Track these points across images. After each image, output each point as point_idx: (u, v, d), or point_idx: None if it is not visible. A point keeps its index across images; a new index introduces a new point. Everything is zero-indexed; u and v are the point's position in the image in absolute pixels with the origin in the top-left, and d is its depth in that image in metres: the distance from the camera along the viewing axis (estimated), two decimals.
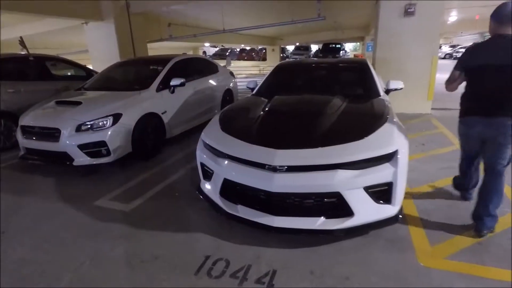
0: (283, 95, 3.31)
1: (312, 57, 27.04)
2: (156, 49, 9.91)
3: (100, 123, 3.54)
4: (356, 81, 3.57)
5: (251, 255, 2.15)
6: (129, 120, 3.77)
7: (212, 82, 5.88)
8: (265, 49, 27.80)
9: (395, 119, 2.55)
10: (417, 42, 5.94)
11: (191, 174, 3.63)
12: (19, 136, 3.76)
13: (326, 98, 2.95)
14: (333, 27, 20.60)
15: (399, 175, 2.15)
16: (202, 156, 2.65)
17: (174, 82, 4.52)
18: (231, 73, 6.97)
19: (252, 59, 28.21)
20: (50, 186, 3.45)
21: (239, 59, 27.98)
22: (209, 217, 2.65)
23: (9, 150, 4.70)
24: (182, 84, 4.57)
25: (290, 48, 34.80)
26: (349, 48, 43.96)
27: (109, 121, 3.56)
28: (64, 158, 3.51)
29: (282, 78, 3.92)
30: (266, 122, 2.65)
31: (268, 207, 2.25)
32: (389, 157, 2.17)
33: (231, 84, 6.65)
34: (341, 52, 25.12)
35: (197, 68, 5.61)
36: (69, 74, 6.15)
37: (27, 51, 5.25)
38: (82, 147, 3.46)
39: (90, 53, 8.65)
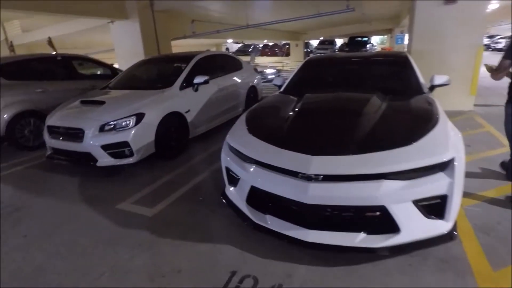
0: (315, 93, 3.04)
1: (337, 51, 26.21)
2: (179, 46, 9.90)
3: (123, 123, 3.45)
4: (396, 76, 3.21)
5: (281, 273, 1.94)
6: (152, 119, 3.66)
7: (236, 79, 5.69)
8: (288, 44, 27.27)
9: (448, 121, 2.22)
10: (460, 32, 5.40)
11: (216, 176, 3.46)
12: (45, 135, 3.77)
13: (364, 96, 2.65)
14: (360, 19, 19.73)
15: (455, 186, 1.84)
16: (227, 160, 2.46)
17: (198, 79, 4.37)
18: (255, 70, 6.74)
19: (275, 54, 27.78)
20: (75, 186, 3.42)
21: (262, 55, 27.63)
22: (235, 225, 2.46)
23: (38, 149, 4.78)
24: (205, 82, 4.41)
25: (313, 42, 33.99)
26: (376, 42, 42.19)
27: (132, 121, 3.47)
28: (88, 158, 3.46)
29: (313, 74, 3.64)
30: (297, 123, 2.40)
31: (301, 219, 2.02)
32: (444, 166, 1.86)
33: (255, 81, 6.43)
34: (367, 45, 24.08)
35: (220, 65, 5.44)
36: (95, 73, 6.20)
37: (55, 50, 5.32)
38: (105, 147, 3.39)
39: (115, 51, 8.76)
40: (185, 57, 4.83)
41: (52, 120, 3.74)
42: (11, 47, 5.76)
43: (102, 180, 3.52)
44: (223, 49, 27.47)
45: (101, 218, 2.71)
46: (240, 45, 28.90)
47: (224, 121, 5.25)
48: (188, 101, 4.31)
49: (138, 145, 3.50)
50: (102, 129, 3.42)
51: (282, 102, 3.00)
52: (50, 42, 5.30)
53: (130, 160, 3.49)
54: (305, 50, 27.15)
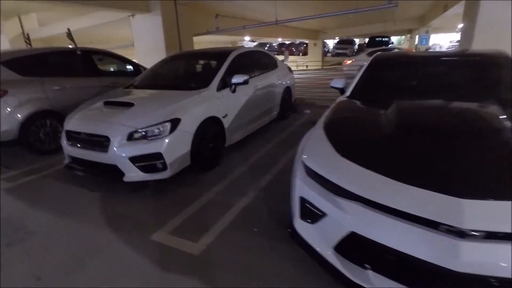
0: (400, 99, 2.39)
1: (355, 52, 25.31)
2: (196, 43, 9.35)
3: (156, 131, 2.87)
4: (500, 80, 2.53)
5: None
6: (189, 126, 3.08)
7: (272, 79, 5.08)
8: (304, 43, 26.47)
9: None
10: None
11: (265, 197, 2.85)
12: (63, 142, 3.22)
13: (485, 109, 1.99)
14: (384, 19, 18.89)
15: None
16: (304, 188, 1.84)
17: (236, 79, 3.77)
18: (289, 69, 6.11)
19: (292, 53, 27.03)
20: (97, 204, 2.86)
21: (278, 54, 26.96)
22: (309, 274, 1.85)
23: (54, 153, 4.26)
24: (245, 82, 3.81)
25: (329, 42, 33.05)
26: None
27: (166, 128, 2.89)
28: (113, 172, 2.90)
29: (387, 76, 2.99)
30: (411, 145, 1.77)
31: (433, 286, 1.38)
32: None
33: (289, 81, 5.80)
34: (389, 46, 23.14)
35: (257, 63, 4.83)
36: (116, 69, 5.66)
37: (75, 44, 4.79)
38: (134, 159, 2.81)
39: (135, 46, 8.24)
40: (220, 54, 4.23)
41: (72, 124, 3.18)
42: (27, 39, 5.29)
43: (129, 197, 2.95)
44: None
45: (134, 255, 2.12)
46: (256, 43, 28.25)
47: (259, 126, 4.65)
48: (225, 104, 3.71)
49: (173, 157, 2.91)
50: (130, 137, 2.84)
51: (365, 112, 2.37)
52: (69, 35, 4.78)
53: (162, 175, 2.91)
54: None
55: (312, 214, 1.82)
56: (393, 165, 1.60)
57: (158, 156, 2.84)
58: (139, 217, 2.60)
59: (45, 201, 2.96)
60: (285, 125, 5.34)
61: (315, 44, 22.66)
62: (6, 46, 10.43)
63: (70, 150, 3.15)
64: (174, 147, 2.93)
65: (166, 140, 2.86)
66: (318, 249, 1.77)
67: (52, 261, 2.11)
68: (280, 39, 29.20)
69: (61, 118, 4.32)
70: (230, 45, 24.40)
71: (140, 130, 2.84)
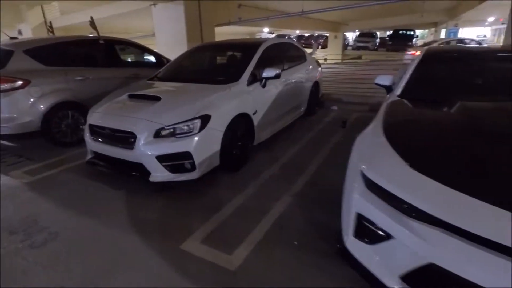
0: (456, 98, 2.07)
1: (377, 45, 24.38)
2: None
3: (185, 128, 2.65)
4: None
5: None
6: (219, 123, 2.85)
7: (302, 72, 4.77)
8: (323, 35, 25.73)
9: None
10: None
11: (302, 204, 2.60)
12: (87, 136, 3.06)
13: None
14: (411, 11, 17.99)
15: None
16: (363, 204, 1.58)
17: (268, 73, 3.50)
18: (317, 62, 5.78)
19: (310, 46, 26.34)
20: (122, 204, 2.69)
21: (305, 46, 26.26)
22: None
23: (75, 145, 4.14)
24: (277, 76, 3.54)
25: (348, 35, 31.97)
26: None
27: (196, 126, 2.67)
28: (138, 170, 2.71)
29: (443, 73, 2.65)
30: (501, 157, 1.47)
31: None
32: None
33: (317, 75, 5.47)
34: (413, 40, 22.16)
35: (286, 55, 4.53)
36: (138, 60, 5.49)
37: (98, 33, 4.62)
38: (161, 158, 2.61)
39: (156, 37, 8.05)
40: (250, 45, 3.97)
41: (95, 117, 3.01)
42: (50, 27, 5.18)
43: (154, 198, 2.77)
44: None
45: (164, 266, 1.93)
46: (273, 35, 27.69)
47: (288, 123, 4.38)
48: (255, 99, 3.46)
49: (202, 156, 2.70)
50: (158, 134, 2.64)
51: (429, 114, 2.06)
52: (92, 23, 4.61)
53: (191, 176, 2.70)
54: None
55: (371, 233, 1.57)
56: (481, 184, 1.31)
57: (187, 155, 2.63)
58: (167, 222, 2.41)
59: (68, 198, 2.82)
60: (313, 122, 5.04)
61: (335, 37, 21.91)
62: (28, 34, 10.48)
63: (93, 145, 2.99)
64: (203, 146, 2.71)
65: (196, 139, 2.64)
66: (378, 275, 1.52)
67: (76, 268, 1.94)
68: (298, 31, 28.52)
69: (83, 109, 4.20)
70: (248, 37, 23.98)
71: (168, 127, 2.63)
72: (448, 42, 15.36)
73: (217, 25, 8.71)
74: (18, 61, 3.73)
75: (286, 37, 26.90)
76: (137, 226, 2.35)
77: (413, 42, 21.75)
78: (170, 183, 2.76)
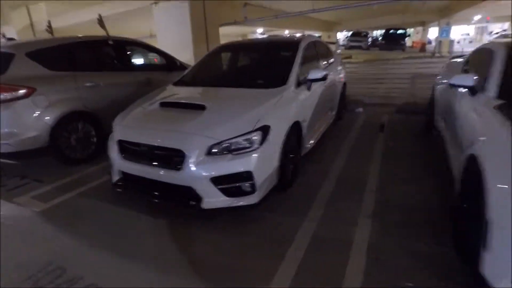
0: None
1: (369, 45, 24.45)
2: None
3: (244, 143, 2.19)
4: None
5: None
6: (278, 135, 2.41)
7: (334, 73, 4.38)
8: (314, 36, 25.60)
9: None
10: None
11: (386, 229, 2.18)
12: (114, 155, 2.53)
13: None
14: (403, 10, 18.07)
15: None
16: None
17: (314, 75, 3.10)
18: (341, 61, 5.41)
19: None
20: (166, 238, 2.19)
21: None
22: None
23: (85, 162, 3.59)
24: (323, 78, 3.13)
25: (339, 35, 32.01)
26: None
27: (257, 139, 2.21)
28: (187, 196, 2.23)
29: None
30: None
31: None
32: None
33: (344, 75, 5.11)
34: (405, 39, 22.32)
35: (320, 54, 4.11)
36: (149, 62, 4.96)
37: (106, 32, 4.09)
38: (217, 180, 2.14)
39: (158, 38, 7.51)
40: (287, 44, 3.58)
41: (126, 132, 2.50)
42: (49, 27, 4.55)
43: (204, 228, 2.29)
44: None
45: None
46: (265, 36, 27.39)
47: (324, 130, 3.96)
48: (303, 104, 3.04)
49: (263, 176, 2.24)
50: (211, 151, 2.17)
51: None
52: (100, 21, 4.07)
53: (250, 200, 2.24)
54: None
55: None
56: None
57: (247, 175, 2.16)
58: (234, 263, 1.94)
59: (98, 233, 2.29)
60: (343, 128, 4.65)
61: (329, 37, 21.83)
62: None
63: (123, 165, 2.47)
64: (264, 163, 2.26)
65: (257, 155, 2.19)
66: None
67: None
68: (287, 32, 28.30)
69: (94, 120, 3.67)
70: (240, 38, 23.55)
71: (224, 143, 2.16)
72: None
73: (222, 25, 8.24)
74: (20, 66, 3.16)
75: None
76: (199, 272, 1.87)
77: (405, 41, 21.89)
78: (221, 209, 2.28)
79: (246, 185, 2.20)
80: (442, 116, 3.42)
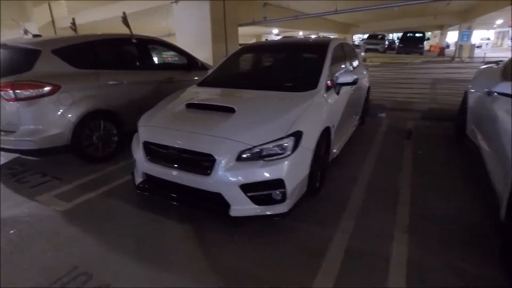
0: None
1: (386, 48, 23.97)
2: None
3: (276, 149, 2.09)
4: None
5: None
6: (309, 141, 2.29)
7: (360, 76, 4.23)
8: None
9: None
10: None
11: (424, 246, 2.04)
12: (139, 156, 2.46)
13: None
14: (425, 12, 17.63)
15: None
16: None
17: (344, 78, 2.98)
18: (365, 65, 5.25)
19: None
20: (192, 245, 2.11)
21: None
22: None
23: (106, 161, 3.56)
24: (354, 82, 3.01)
25: (355, 37, 31.54)
26: None
27: (289, 146, 2.11)
28: (214, 202, 2.14)
29: None
30: None
31: None
32: None
33: (368, 79, 4.95)
34: (424, 42, 21.79)
35: (348, 57, 3.97)
36: (170, 61, 4.91)
37: (130, 31, 4.05)
38: (247, 188, 2.05)
39: (177, 37, 7.49)
40: (316, 45, 3.47)
41: (153, 133, 2.43)
42: (73, 24, 4.56)
43: (230, 236, 2.19)
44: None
45: None
46: (280, 37, 27.24)
47: (350, 135, 3.82)
48: (332, 109, 2.91)
49: (293, 183, 2.14)
50: (241, 157, 2.08)
51: None
52: (124, 19, 4.04)
53: (280, 209, 2.13)
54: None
55: None
56: None
57: (279, 183, 2.06)
58: (265, 274, 1.83)
59: (123, 237, 2.22)
60: (367, 133, 4.50)
61: (345, 39, 21.53)
62: None
63: (148, 167, 2.40)
64: (295, 170, 2.16)
65: (288, 162, 2.08)
66: None
67: None
68: (301, 33, 28.04)
69: (116, 119, 3.64)
70: (254, 39, 23.49)
71: (256, 148, 2.07)
72: None
73: (241, 25, 8.17)
74: (46, 63, 3.14)
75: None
76: (231, 283, 1.77)
77: (423, 45, 21.40)
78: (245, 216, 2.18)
79: (277, 193, 2.10)
80: (477, 125, 3.23)
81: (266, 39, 27.04)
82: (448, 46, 28.93)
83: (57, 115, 3.15)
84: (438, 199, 2.63)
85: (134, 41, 4.03)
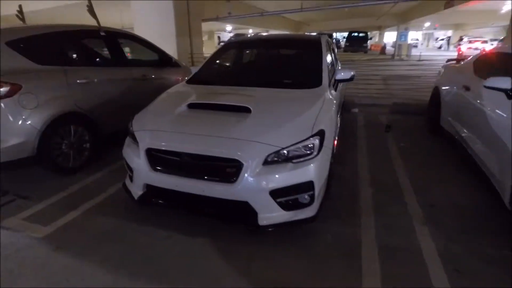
0: None
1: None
2: None
3: (302, 149, 1.97)
4: None
5: None
6: (329, 139, 2.21)
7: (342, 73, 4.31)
8: None
9: None
10: None
11: (446, 235, 2.11)
12: (139, 165, 2.13)
13: None
14: (369, 14, 18.99)
15: None
16: None
17: (342, 75, 2.98)
18: None
19: None
20: (214, 259, 1.90)
21: None
22: None
23: (77, 172, 3.08)
24: (351, 79, 3.03)
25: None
26: None
27: (315, 145, 2.00)
28: (240, 212, 1.95)
29: None
30: None
31: None
32: None
33: None
34: (367, 41, 23.50)
35: (334, 53, 4.01)
36: (142, 57, 4.44)
37: (98, 22, 3.54)
38: (276, 193, 1.90)
39: (135, 30, 6.83)
40: (308, 41, 3.40)
41: (160, 139, 2.11)
42: (20, 13, 3.71)
43: (255, 245, 2.03)
44: (215, 38, 25.52)
45: None
46: (232, 35, 27.01)
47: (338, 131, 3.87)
48: (335, 105, 2.89)
49: (320, 184, 2.04)
50: (267, 160, 1.92)
51: None
52: (90, 8, 3.51)
53: (308, 213, 2.03)
54: None
55: None
56: None
57: (308, 186, 1.95)
58: (312, 284, 1.72)
59: (122, 260, 1.90)
60: (348, 127, 4.63)
61: None
62: None
63: (154, 178, 2.09)
64: (321, 170, 2.06)
65: (316, 163, 1.98)
66: None
67: None
68: (251, 31, 28.21)
69: (87, 122, 3.18)
70: (206, 37, 22.90)
71: (284, 150, 1.92)
72: None
73: (204, 20, 7.82)
74: (1, 58, 2.58)
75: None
76: None
77: (367, 44, 23.06)
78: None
79: (305, 197, 1.99)
80: (455, 117, 3.50)
81: (219, 37, 26.63)
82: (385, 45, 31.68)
83: (18, 121, 2.62)
84: (438, 188, 2.78)
85: (102, 33, 3.54)
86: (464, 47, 20.95)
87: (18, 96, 2.58)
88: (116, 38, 3.77)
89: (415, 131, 4.51)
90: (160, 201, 2.17)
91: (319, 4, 7.60)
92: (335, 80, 3.01)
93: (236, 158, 1.87)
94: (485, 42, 22.63)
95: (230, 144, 1.93)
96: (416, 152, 3.67)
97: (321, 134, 2.07)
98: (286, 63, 3.25)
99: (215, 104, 2.34)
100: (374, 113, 5.58)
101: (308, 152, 1.98)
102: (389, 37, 40.73)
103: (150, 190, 2.19)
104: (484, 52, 3.62)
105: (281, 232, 2.14)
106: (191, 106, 2.36)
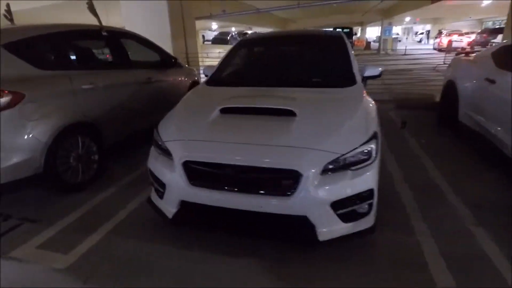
0: None
1: None
2: None
3: (359, 155, 1.80)
4: None
5: None
6: (380, 141, 2.06)
7: None
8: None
9: None
10: None
11: (505, 238, 2.01)
12: (174, 179, 1.88)
13: None
14: (352, 10, 19.12)
15: None
16: None
17: (371, 72, 2.84)
18: None
19: None
20: (273, 286, 1.70)
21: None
22: None
23: (86, 189, 2.78)
24: (380, 75, 2.88)
25: None
26: None
27: (373, 149, 1.83)
28: (295, 228, 1.75)
29: None
30: None
31: None
32: None
33: None
34: (353, 37, 23.70)
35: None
36: (145, 59, 4.13)
37: (99, 21, 3.23)
38: (337, 205, 1.71)
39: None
40: (330, 37, 3.23)
41: (198, 150, 1.87)
42: (8, 12, 3.29)
43: (315, 261, 1.84)
44: (200, 37, 24.95)
45: None
46: (217, 33, 26.55)
47: None
48: None
49: (376, 192, 1.88)
50: (326, 169, 1.73)
51: None
52: (91, 6, 3.20)
53: (367, 223, 1.85)
54: None
55: None
56: None
57: (369, 194, 1.78)
58: None
59: None
60: None
61: None
62: None
63: (194, 194, 1.84)
64: (378, 176, 1.89)
65: (374, 169, 1.81)
66: None
67: None
68: (234, 29, 27.82)
69: (94, 132, 2.89)
70: None
71: (342, 157, 1.74)
72: None
73: (198, 18, 7.52)
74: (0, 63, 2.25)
75: (230, 35, 26.11)
76: None
77: (353, 39, 23.28)
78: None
79: (365, 206, 1.82)
80: (476, 110, 3.43)
81: (203, 35, 26.11)
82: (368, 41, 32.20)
83: (22, 135, 2.30)
84: (477, 186, 2.69)
85: (104, 33, 3.23)
86: (445, 40, 21.55)
87: (21, 106, 2.27)
88: (119, 39, 3.47)
89: (428, 126, 4.46)
90: (199, 220, 1.94)
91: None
92: (363, 77, 2.85)
93: (295, 168, 1.66)
94: (462, 35, 23.34)
95: (285, 152, 1.72)
96: (438, 148, 3.59)
97: (376, 137, 1.90)
98: (312, 62, 3.05)
99: (251, 108, 2.12)
100: (382, 110, 5.48)
101: (366, 157, 1.80)
102: (371, 32, 41.50)
103: (186, 207, 1.95)
104: (504, 44, 3.56)
105: (333, 246, 1.96)
106: (224, 111, 2.13)
